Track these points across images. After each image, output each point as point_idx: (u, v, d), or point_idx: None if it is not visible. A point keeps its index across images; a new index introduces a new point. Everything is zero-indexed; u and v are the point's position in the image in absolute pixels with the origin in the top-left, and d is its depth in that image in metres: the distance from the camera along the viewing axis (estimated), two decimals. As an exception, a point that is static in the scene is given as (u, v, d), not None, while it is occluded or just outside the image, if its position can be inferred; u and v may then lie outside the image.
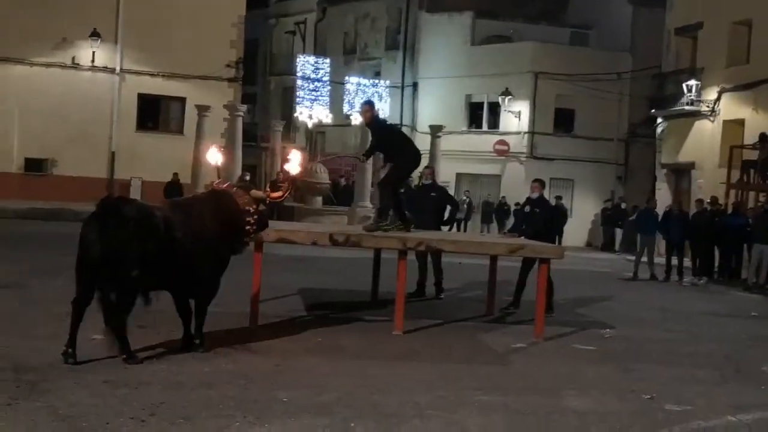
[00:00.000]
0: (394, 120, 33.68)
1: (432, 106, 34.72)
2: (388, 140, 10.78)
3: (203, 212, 7.94)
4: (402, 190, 11.70)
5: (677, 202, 22.09)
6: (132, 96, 31.38)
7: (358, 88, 34.16)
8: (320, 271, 15.97)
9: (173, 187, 26.48)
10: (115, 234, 7.01)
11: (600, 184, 33.48)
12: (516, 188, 29.87)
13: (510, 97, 32.64)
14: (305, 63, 34.89)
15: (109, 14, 30.53)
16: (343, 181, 32.84)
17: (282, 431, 5.84)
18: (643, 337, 11.10)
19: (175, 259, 7.44)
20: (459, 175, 34.12)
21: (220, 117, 28.94)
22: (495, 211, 32.14)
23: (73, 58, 30.50)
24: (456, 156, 32.64)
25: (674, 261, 19.83)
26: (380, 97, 33.76)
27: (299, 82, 34.53)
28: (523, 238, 11.76)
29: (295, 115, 34.36)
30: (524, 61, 32.81)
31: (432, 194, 13.44)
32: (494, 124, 34.18)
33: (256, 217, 8.30)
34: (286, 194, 8.96)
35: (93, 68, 30.68)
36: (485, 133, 34.11)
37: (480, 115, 34.73)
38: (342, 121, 34.16)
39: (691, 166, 27.98)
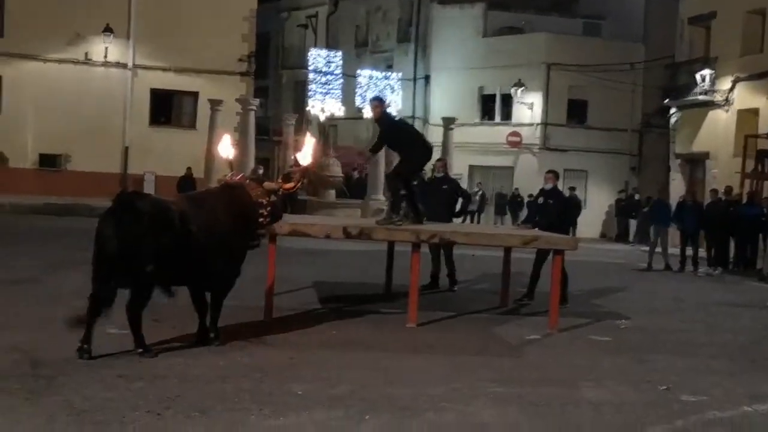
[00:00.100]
0: (407, 113, 33.71)
1: (444, 99, 34.65)
2: (397, 137, 10.81)
3: (216, 206, 7.96)
4: (415, 183, 11.70)
5: (691, 193, 21.99)
6: (145, 91, 31.46)
7: (370, 81, 34.10)
8: (334, 264, 15.99)
9: (186, 181, 26.57)
10: (131, 229, 7.03)
11: (614, 175, 33.36)
12: (529, 180, 29.79)
13: (523, 88, 32.54)
14: (317, 56, 34.87)
15: (121, 10, 30.61)
16: (356, 174, 32.82)
17: (297, 424, 5.85)
18: (658, 327, 11.06)
19: (190, 253, 7.45)
20: (472, 167, 34.07)
21: (232, 111, 28.95)
22: (508, 203, 32.11)
23: (86, 54, 30.60)
24: (469, 148, 32.60)
25: (689, 251, 19.74)
26: (392, 90, 33.73)
27: (311, 75, 34.52)
28: (536, 229, 11.74)
29: (308, 108, 34.37)
30: (537, 53, 32.69)
31: (444, 187, 13.44)
32: (507, 115, 34.07)
33: (269, 209, 8.33)
34: (298, 184, 8.98)
35: (106, 64, 30.78)
36: (498, 124, 34.03)
37: (492, 106, 34.63)
38: (354, 114, 34.13)
39: (706, 156, 27.85)
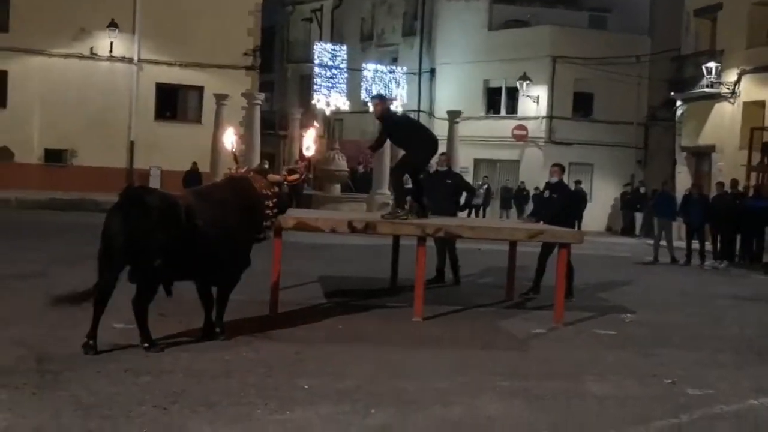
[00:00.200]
0: (412, 106, 33.69)
1: (450, 92, 34.61)
2: (400, 134, 10.76)
3: (223, 199, 7.97)
4: (420, 176, 11.69)
5: (697, 186, 21.93)
6: (150, 86, 31.47)
7: (375, 74, 34.03)
8: (339, 258, 15.99)
9: (192, 176, 26.56)
10: (139, 224, 7.04)
11: (619, 169, 33.26)
12: (535, 173, 29.79)
13: (528, 81, 32.46)
14: (322, 50, 34.80)
15: (126, 4, 30.59)
16: (361, 169, 32.79)
17: (303, 418, 5.85)
18: (664, 321, 11.05)
19: (197, 247, 7.46)
20: (477, 161, 34.04)
21: (238, 105, 28.94)
22: (514, 197, 32.05)
23: (92, 49, 30.60)
24: (474, 142, 32.54)
25: (695, 245, 19.70)
26: (398, 84, 33.65)
27: (316, 69, 34.47)
28: (542, 222, 11.74)
29: (313, 102, 34.35)
30: (542, 46, 32.60)
31: (447, 181, 13.44)
32: (512, 109, 34.01)
33: (275, 200, 8.33)
34: (302, 176, 8.98)
35: (111, 58, 30.77)
36: (503, 118, 33.97)
37: (498, 100, 34.57)
38: (360, 108, 34.09)
39: (712, 149, 27.78)
